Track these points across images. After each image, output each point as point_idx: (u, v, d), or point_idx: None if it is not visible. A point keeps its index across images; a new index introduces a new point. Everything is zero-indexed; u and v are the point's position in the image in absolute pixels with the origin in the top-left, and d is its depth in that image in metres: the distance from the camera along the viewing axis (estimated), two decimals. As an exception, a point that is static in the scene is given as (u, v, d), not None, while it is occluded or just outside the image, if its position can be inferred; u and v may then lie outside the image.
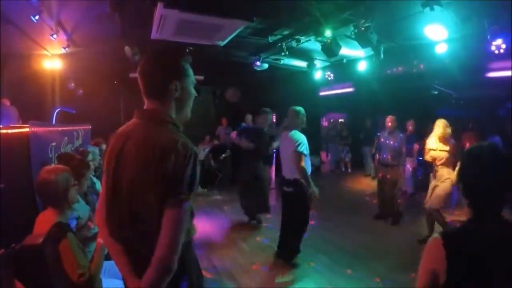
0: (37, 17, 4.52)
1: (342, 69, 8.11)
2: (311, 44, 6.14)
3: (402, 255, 4.67)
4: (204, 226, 5.85)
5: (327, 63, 8.27)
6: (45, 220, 2.10)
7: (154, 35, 5.08)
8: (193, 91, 1.59)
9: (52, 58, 7.03)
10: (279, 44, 6.17)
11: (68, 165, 2.46)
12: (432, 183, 4.90)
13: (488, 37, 4.73)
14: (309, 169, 4.24)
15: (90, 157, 3.95)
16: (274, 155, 7.54)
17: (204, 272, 4.11)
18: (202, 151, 9.36)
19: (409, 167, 7.33)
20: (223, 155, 9.42)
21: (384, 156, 5.94)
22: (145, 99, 1.53)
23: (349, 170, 11.50)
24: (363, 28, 4.77)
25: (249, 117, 8.00)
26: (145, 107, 1.53)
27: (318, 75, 8.66)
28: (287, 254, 4.52)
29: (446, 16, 4.32)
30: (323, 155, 12.60)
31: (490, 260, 1.22)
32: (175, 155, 1.32)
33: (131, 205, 1.40)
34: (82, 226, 2.70)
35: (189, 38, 5.41)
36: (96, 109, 8.47)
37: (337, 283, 3.98)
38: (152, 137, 1.40)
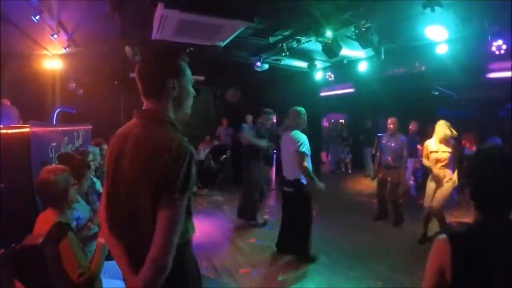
0: (37, 17, 4.52)
1: (343, 69, 8.11)
2: (312, 44, 6.14)
3: (402, 255, 4.67)
4: (204, 226, 5.86)
5: (327, 64, 8.27)
6: (45, 220, 2.10)
7: (154, 35, 5.08)
8: (191, 90, 1.59)
9: (52, 58, 7.03)
10: (280, 45, 6.17)
11: (68, 165, 2.46)
12: (431, 184, 4.88)
13: (489, 37, 4.74)
14: (310, 169, 4.24)
15: (90, 157, 3.96)
16: (275, 155, 7.56)
17: (204, 272, 4.13)
18: (203, 152, 9.37)
19: (410, 169, 7.31)
20: (223, 156, 9.43)
21: (386, 158, 5.93)
22: (143, 99, 1.54)
23: (350, 171, 11.50)
24: (363, 29, 4.77)
25: (249, 118, 8.00)
26: (144, 107, 1.54)
27: (318, 75, 8.66)
28: (302, 257, 4.51)
29: (447, 17, 4.32)
30: (324, 155, 12.61)
31: (496, 262, 1.21)
32: (169, 155, 1.32)
33: (129, 205, 1.42)
34: (82, 226, 2.70)
35: (189, 39, 5.40)
36: (97, 109, 8.47)
37: (337, 283, 3.98)
38: (148, 137, 1.42)
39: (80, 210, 2.75)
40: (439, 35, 4.77)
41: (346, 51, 6.29)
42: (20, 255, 1.94)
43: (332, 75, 8.38)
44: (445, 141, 4.76)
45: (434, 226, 5.13)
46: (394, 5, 4.41)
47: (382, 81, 8.40)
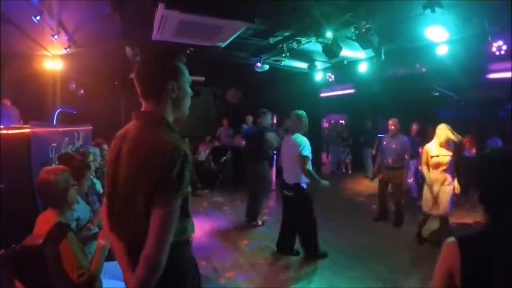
0: (38, 17, 4.52)
1: (343, 70, 8.11)
2: (312, 45, 6.15)
3: (402, 256, 4.68)
4: (204, 227, 5.86)
5: (328, 65, 8.27)
6: (45, 221, 2.10)
7: (155, 36, 5.08)
8: (189, 90, 1.61)
9: (53, 59, 7.04)
10: (280, 46, 6.17)
11: (68, 166, 2.46)
12: (432, 188, 4.79)
13: (489, 38, 4.73)
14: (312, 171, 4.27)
15: (91, 157, 3.96)
16: (275, 156, 7.55)
17: (203, 272, 4.13)
18: (203, 153, 9.38)
19: (411, 170, 7.27)
20: (224, 158, 9.43)
21: (387, 159, 5.92)
22: (142, 100, 1.56)
23: (350, 172, 11.50)
24: (364, 30, 4.77)
25: (250, 118, 8.01)
26: (142, 108, 1.56)
27: (319, 76, 8.66)
28: (309, 256, 4.56)
29: (447, 17, 4.32)
30: (324, 156, 12.61)
31: (506, 265, 1.20)
32: (163, 155, 1.34)
33: (127, 205, 1.44)
34: (82, 227, 2.70)
35: (190, 39, 5.40)
36: (97, 110, 8.47)
37: (337, 284, 3.98)
38: (144, 138, 1.44)
39: (80, 210, 2.75)
40: (439, 36, 4.77)
41: (346, 52, 6.29)
42: (20, 255, 1.94)
43: (332, 76, 8.38)
44: (446, 144, 4.72)
45: (430, 227, 5.14)
46: (394, 5, 4.41)
47: (382, 81, 8.40)
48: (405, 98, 9.71)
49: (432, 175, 4.80)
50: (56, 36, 5.32)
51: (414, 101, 9.89)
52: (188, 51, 5.96)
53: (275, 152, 6.97)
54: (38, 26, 4.87)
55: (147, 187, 1.34)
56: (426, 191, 4.89)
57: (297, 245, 4.71)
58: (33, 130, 3.53)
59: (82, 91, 8.94)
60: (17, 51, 6.48)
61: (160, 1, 4.01)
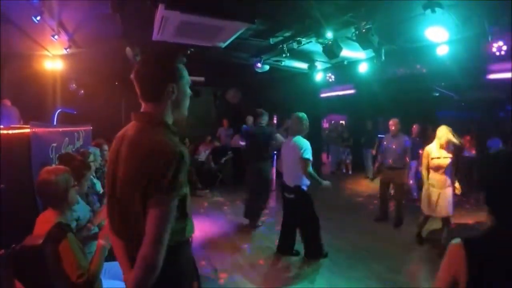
0: (38, 17, 4.52)
1: (343, 70, 8.10)
2: (312, 45, 6.14)
3: (401, 256, 4.68)
4: (204, 227, 5.86)
5: (328, 65, 8.26)
6: (45, 221, 2.10)
7: (155, 36, 5.08)
8: (189, 91, 1.62)
9: (53, 59, 7.04)
10: (280, 46, 6.17)
11: (68, 166, 2.46)
12: (430, 191, 4.80)
13: (489, 38, 4.73)
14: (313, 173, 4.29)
15: (91, 158, 3.95)
16: (275, 156, 7.55)
17: (203, 273, 4.14)
18: (203, 153, 9.38)
19: (412, 170, 7.28)
20: (224, 159, 9.43)
21: (388, 159, 5.91)
22: (141, 101, 1.56)
23: (350, 172, 11.51)
24: (364, 30, 4.77)
25: (250, 119, 7.99)
26: (142, 109, 1.56)
27: (319, 76, 8.66)
28: (313, 256, 4.59)
29: (447, 18, 4.32)
30: (324, 156, 12.61)
31: None
32: (159, 156, 1.35)
33: (124, 206, 1.45)
34: (82, 227, 2.70)
35: (190, 40, 5.40)
36: (97, 110, 8.47)
37: (337, 284, 3.99)
38: (141, 139, 1.44)
39: (80, 211, 2.75)
40: (439, 36, 4.77)
41: (347, 52, 6.28)
42: (20, 255, 1.94)
43: (333, 76, 8.37)
44: (446, 146, 4.72)
45: (430, 227, 5.15)
46: (394, 6, 4.40)
47: (382, 82, 8.40)
48: (405, 99, 9.71)
49: (433, 177, 4.79)
50: (56, 36, 5.32)
51: (414, 102, 9.89)
52: (188, 52, 5.96)
53: (275, 152, 6.96)
54: (38, 26, 4.87)
55: (143, 187, 1.34)
56: (425, 193, 4.88)
57: (297, 246, 4.72)
58: (33, 130, 3.53)
59: (82, 92, 8.94)
60: (17, 51, 6.48)
61: (160, 1, 4.01)
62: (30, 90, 7.26)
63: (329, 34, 5.15)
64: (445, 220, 4.85)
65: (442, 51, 5.36)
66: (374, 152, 9.43)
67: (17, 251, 1.96)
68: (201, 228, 5.73)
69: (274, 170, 8.20)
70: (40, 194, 2.22)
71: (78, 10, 4.80)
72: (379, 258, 4.62)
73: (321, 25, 4.96)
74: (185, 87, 1.59)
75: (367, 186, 9.56)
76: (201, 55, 6.55)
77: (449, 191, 4.72)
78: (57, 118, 7.86)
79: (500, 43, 4.72)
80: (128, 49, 5.98)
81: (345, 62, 7.62)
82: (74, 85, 8.48)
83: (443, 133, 4.71)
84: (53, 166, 2.69)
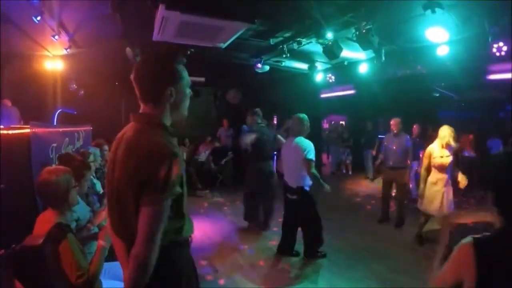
0: (38, 17, 4.52)
1: (343, 71, 8.10)
2: (312, 46, 6.14)
3: (401, 256, 4.68)
4: (204, 227, 5.86)
5: (328, 65, 8.26)
6: (45, 221, 2.10)
7: (155, 36, 5.08)
8: (188, 92, 1.62)
9: (53, 59, 7.04)
10: (281, 46, 6.17)
11: (68, 166, 2.46)
12: (432, 190, 4.79)
13: (489, 39, 4.73)
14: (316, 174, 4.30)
15: (91, 158, 3.96)
16: (275, 157, 7.54)
17: (203, 273, 4.13)
18: (203, 153, 9.38)
19: (413, 170, 7.27)
20: (225, 160, 9.43)
21: (390, 159, 5.90)
22: (140, 102, 1.56)
23: (350, 173, 11.51)
24: (364, 30, 4.77)
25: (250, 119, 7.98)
26: (140, 110, 1.57)
27: (319, 77, 8.66)
28: (313, 256, 4.60)
29: (447, 18, 4.32)
30: (324, 157, 12.61)
31: None
32: (152, 156, 1.35)
33: (121, 206, 1.45)
34: (81, 227, 2.70)
35: (190, 40, 5.40)
36: (97, 110, 8.47)
37: (337, 284, 3.99)
38: (137, 140, 1.45)
39: (80, 211, 2.75)
40: (439, 37, 4.77)
41: (347, 53, 6.28)
42: (20, 255, 1.94)
43: (333, 77, 8.37)
44: (448, 146, 4.75)
45: (431, 227, 5.14)
46: (394, 6, 4.40)
47: (382, 82, 8.40)
48: (406, 99, 9.71)
49: (435, 176, 4.80)
50: (56, 37, 5.32)
51: (414, 102, 9.90)
52: (188, 52, 5.96)
53: (275, 153, 6.94)
54: (38, 26, 4.87)
55: (137, 186, 1.35)
56: (426, 192, 4.87)
57: (297, 246, 4.72)
58: (33, 130, 3.53)
59: (82, 92, 8.93)
60: (18, 51, 6.48)
61: (160, 2, 4.01)
62: (30, 90, 7.25)
63: (329, 35, 5.15)
64: (445, 220, 4.84)
65: (442, 51, 5.36)
66: (374, 152, 9.43)
67: (17, 251, 1.95)
68: (201, 229, 5.73)
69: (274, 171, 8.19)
70: (41, 194, 2.22)
71: (78, 10, 4.80)
72: (379, 258, 4.62)
73: (321, 26, 4.96)
74: (185, 88, 1.58)
75: (367, 186, 9.57)
76: (201, 55, 6.54)
77: (450, 190, 4.75)
78: (57, 118, 7.86)
79: (500, 43, 4.71)
80: (128, 49, 5.98)
81: (345, 63, 7.62)
82: (74, 85, 8.47)
83: (445, 133, 4.74)
84: (54, 166, 2.69)
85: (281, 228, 4.82)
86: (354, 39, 5.04)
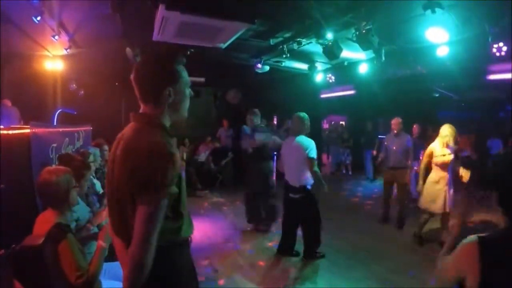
0: (38, 18, 4.52)
1: (343, 71, 8.11)
2: (312, 46, 6.14)
3: (401, 257, 4.68)
4: (204, 227, 5.86)
5: (328, 66, 8.26)
6: (45, 221, 2.10)
7: (155, 36, 5.08)
8: (188, 92, 1.61)
9: (53, 59, 7.04)
10: (281, 47, 6.17)
11: (68, 166, 2.46)
12: (435, 187, 4.81)
13: (489, 39, 4.73)
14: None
15: (91, 158, 3.95)
16: (275, 157, 7.53)
17: (203, 273, 4.13)
18: (203, 154, 9.39)
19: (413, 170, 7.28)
20: (225, 161, 9.43)
21: (391, 159, 5.90)
22: (140, 102, 1.57)
23: (350, 173, 11.51)
24: (364, 31, 4.77)
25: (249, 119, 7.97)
26: (140, 110, 1.57)
27: (319, 77, 8.66)
28: (313, 256, 4.59)
29: (447, 18, 4.32)
30: (324, 157, 12.61)
31: None
32: (148, 156, 1.35)
33: (120, 206, 1.45)
34: (81, 228, 2.70)
35: (190, 40, 5.40)
36: (97, 110, 8.47)
37: (337, 284, 3.98)
38: (135, 139, 1.45)
39: (80, 211, 2.75)
40: (439, 37, 4.77)
41: (347, 53, 6.28)
42: (19, 255, 1.94)
43: (333, 77, 8.37)
44: (448, 145, 4.78)
45: (431, 226, 5.14)
46: (394, 6, 4.41)
47: (382, 83, 8.40)
48: (406, 99, 9.72)
49: (437, 174, 4.83)
50: (56, 37, 5.32)
51: (414, 102, 9.91)
52: (188, 52, 5.96)
53: (275, 153, 6.94)
54: (38, 26, 4.87)
55: (134, 186, 1.35)
56: (430, 191, 4.87)
57: (297, 246, 4.71)
58: (33, 130, 3.53)
59: (82, 92, 8.93)
60: (18, 51, 6.48)
61: (160, 2, 4.01)
62: (30, 90, 7.26)
63: (329, 35, 5.15)
64: (445, 217, 4.85)
65: (442, 51, 5.36)
66: (374, 152, 9.42)
67: (17, 251, 1.95)
68: (201, 229, 5.73)
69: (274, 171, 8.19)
70: (41, 194, 2.22)
71: (78, 10, 4.81)
72: (379, 258, 4.62)
73: (321, 26, 4.96)
74: (184, 88, 1.57)
75: (367, 186, 9.57)
76: (201, 55, 6.54)
77: (451, 188, 4.79)
78: (57, 119, 7.86)
79: (500, 44, 4.72)
80: (128, 50, 5.98)
81: (345, 63, 7.63)
82: (74, 85, 8.47)
83: (447, 132, 4.77)
84: (54, 166, 2.69)
85: (281, 228, 4.81)
86: (354, 39, 5.04)
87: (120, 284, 1.67)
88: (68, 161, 2.93)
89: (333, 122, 14.07)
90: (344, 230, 5.78)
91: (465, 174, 4.83)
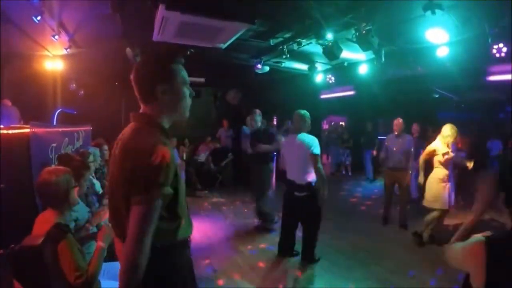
0: (39, 17, 4.52)
1: (343, 72, 8.11)
2: (312, 47, 6.15)
3: (401, 257, 4.67)
4: (204, 228, 5.86)
5: (328, 66, 8.27)
6: (44, 221, 2.10)
7: (155, 36, 5.08)
8: (185, 91, 1.59)
9: (53, 59, 7.04)
10: (280, 47, 6.17)
11: (67, 166, 2.46)
12: (439, 184, 4.85)
13: (489, 40, 4.74)
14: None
15: (90, 158, 3.95)
16: (275, 157, 7.53)
17: (202, 274, 4.13)
18: (203, 154, 9.39)
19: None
20: (225, 161, 9.43)
21: (393, 160, 5.90)
22: (139, 103, 1.58)
23: (350, 173, 11.51)
24: (364, 31, 4.77)
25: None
26: (140, 110, 1.58)
27: (319, 78, 8.66)
28: (308, 257, 4.52)
29: (447, 19, 4.32)
30: (324, 157, 12.61)
31: None
32: (143, 156, 1.35)
33: (121, 205, 1.45)
34: (80, 228, 2.70)
35: (190, 40, 5.40)
36: (97, 110, 8.47)
37: (336, 285, 3.98)
38: (132, 139, 1.45)
39: (79, 211, 2.75)
40: (439, 38, 4.78)
41: (347, 54, 6.29)
42: (19, 255, 1.94)
43: (333, 78, 8.38)
44: (449, 144, 4.85)
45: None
46: (394, 7, 4.41)
47: (382, 83, 8.41)
48: (405, 100, 9.73)
49: (441, 171, 4.86)
50: (56, 36, 5.32)
51: (414, 103, 9.91)
52: (188, 52, 5.96)
53: (275, 153, 6.94)
54: (38, 26, 4.87)
55: (128, 186, 1.36)
56: (434, 189, 4.90)
57: (296, 246, 4.70)
58: (33, 130, 3.53)
59: (82, 92, 8.94)
60: (17, 51, 6.48)
61: (160, 2, 4.01)
62: (30, 90, 7.25)
63: (329, 36, 5.16)
64: (443, 213, 4.89)
65: (442, 52, 5.37)
66: (375, 152, 9.42)
67: (16, 251, 1.95)
68: (201, 229, 5.72)
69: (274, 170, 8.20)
70: (40, 194, 2.22)
71: (78, 10, 4.80)
72: (379, 258, 4.62)
73: (321, 26, 4.96)
74: (180, 87, 1.56)
75: (367, 187, 9.57)
76: (201, 56, 6.55)
77: (451, 184, 4.85)
78: (57, 118, 7.86)
79: (500, 44, 4.72)
80: (128, 50, 5.98)
81: (345, 64, 7.63)
82: (74, 85, 8.48)
83: (449, 133, 4.81)
84: (54, 166, 2.69)
85: (281, 228, 4.76)
86: (354, 40, 5.05)
87: (120, 284, 1.67)
88: (67, 161, 2.93)
89: (333, 123, 14.07)
90: (344, 230, 5.78)
91: (469, 163, 4.93)
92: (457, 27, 4.52)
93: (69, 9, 4.79)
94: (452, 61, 5.77)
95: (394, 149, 5.88)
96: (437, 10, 3.92)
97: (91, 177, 3.75)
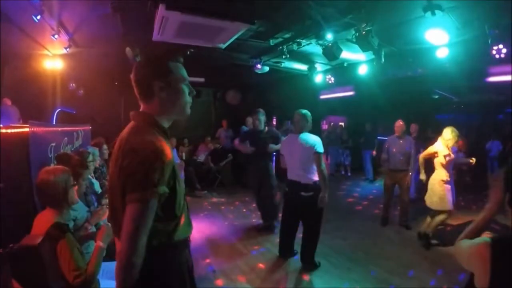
0: (38, 17, 4.51)
1: (343, 72, 8.11)
2: (312, 47, 6.15)
3: (401, 258, 4.67)
4: (203, 228, 5.85)
5: (328, 67, 8.27)
6: (43, 221, 2.10)
7: (155, 36, 5.08)
8: (184, 89, 1.59)
9: (53, 58, 7.03)
10: (280, 47, 6.17)
11: (66, 165, 2.45)
12: (442, 185, 4.85)
13: (489, 41, 4.74)
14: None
15: (90, 157, 3.94)
16: (274, 158, 7.53)
17: (201, 274, 4.12)
18: (203, 154, 9.39)
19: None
20: (224, 162, 9.43)
21: (394, 161, 5.91)
22: (139, 102, 1.59)
23: (349, 174, 11.51)
24: (364, 32, 4.77)
25: (249, 120, 7.98)
26: (140, 109, 1.59)
27: (318, 78, 8.67)
28: (308, 262, 4.46)
29: (447, 20, 4.33)
30: (324, 158, 12.60)
31: None
32: (138, 154, 1.35)
33: (120, 205, 1.44)
34: (79, 227, 2.69)
35: (190, 40, 5.40)
36: (97, 110, 8.47)
37: (336, 285, 3.98)
38: (129, 138, 1.46)
39: (78, 210, 2.75)
40: (439, 39, 4.78)
41: (347, 54, 6.29)
42: (18, 255, 1.94)
43: (332, 78, 8.38)
44: (449, 147, 4.87)
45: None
46: (394, 8, 4.41)
47: (382, 84, 8.40)
48: (405, 101, 9.72)
49: (443, 173, 4.87)
50: (56, 36, 5.31)
51: (414, 104, 9.91)
52: (188, 52, 5.95)
53: (274, 154, 6.94)
54: (38, 26, 4.86)
55: (122, 185, 1.36)
56: (436, 189, 4.90)
57: (296, 246, 4.70)
58: (32, 129, 3.52)
59: (82, 91, 8.93)
60: (17, 50, 6.47)
61: (160, 2, 4.01)
62: (30, 89, 7.25)
63: (329, 36, 5.16)
64: (449, 214, 4.92)
65: (442, 53, 5.37)
66: (374, 153, 9.42)
67: (15, 251, 1.95)
68: (200, 229, 5.72)
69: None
70: (39, 194, 2.22)
71: (78, 9, 4.79)
72: (378, 259, 4.62)
73: (321, 27, 4.96)
74: (178, 84, 1.56)
75: (366, 187, 9.57)
76: (201, 56, 6.55)
77: (452, 186, 4.88)
78: (56, 118, 7.85)
79: (500, 46, 4.72)
80: (128, 49, 5.97)
81: (345, 64, 7.64)
82: (73, 84, 8.47)
83: (450, 136, 4.83)
84: (52, 166, 2.69)
85: (281, 228, 4.72)
86: (354, 40, 5.05)
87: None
88: (66, 160, 2.94)
89: (332, 123, 14.04)
90: (343, 231, 5.77)
91: (472, 160, 5.00)
92: (457, 28, 4.53)
93: (69, 9, 4.78)
94: (452, 62, 5.78)
95: (394, 150, 5.88)
96: (437, 11, 3.93)
97: (90, 176, 3.74)
